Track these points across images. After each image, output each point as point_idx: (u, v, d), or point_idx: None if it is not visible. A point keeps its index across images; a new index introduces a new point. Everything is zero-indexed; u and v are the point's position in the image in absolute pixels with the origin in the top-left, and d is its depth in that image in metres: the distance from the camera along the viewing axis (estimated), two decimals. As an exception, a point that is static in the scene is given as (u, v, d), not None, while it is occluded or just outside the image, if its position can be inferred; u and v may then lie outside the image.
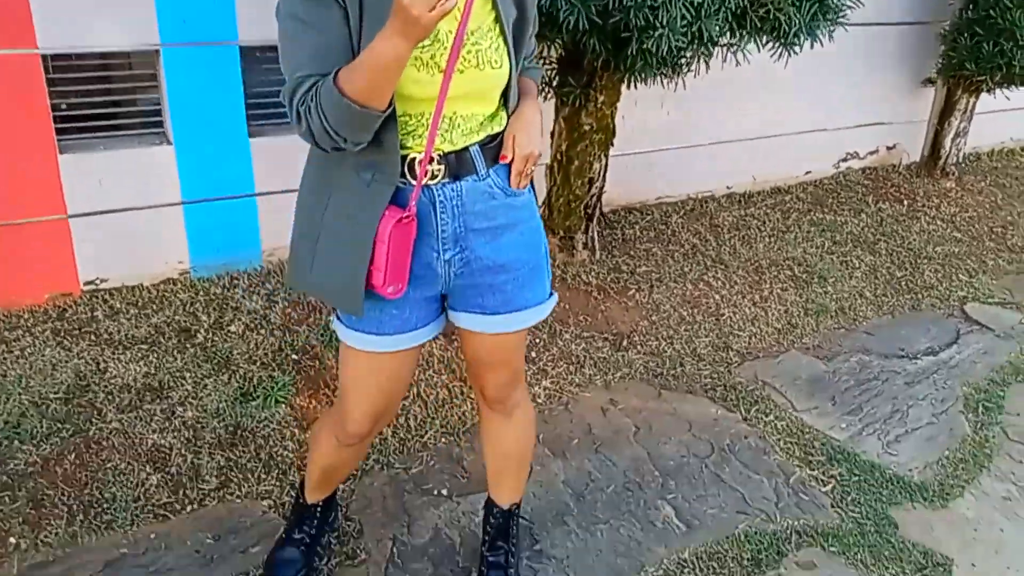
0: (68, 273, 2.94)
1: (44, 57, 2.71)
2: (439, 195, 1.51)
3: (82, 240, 2.93)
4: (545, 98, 3.25)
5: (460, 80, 1.42)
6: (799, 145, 4.50)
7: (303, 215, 1.58)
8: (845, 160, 4.77)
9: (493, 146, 1.54)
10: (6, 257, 2.83)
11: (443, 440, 2.51)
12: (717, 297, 3.36)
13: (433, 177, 1.49)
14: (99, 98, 2.95)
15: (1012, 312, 3.46)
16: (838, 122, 4.62)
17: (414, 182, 1.47)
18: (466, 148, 1.50)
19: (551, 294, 1.73)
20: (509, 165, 1.55)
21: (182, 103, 2.94)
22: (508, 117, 1.56)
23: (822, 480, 2.43)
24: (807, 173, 4.61)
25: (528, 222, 1.63)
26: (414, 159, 1.47)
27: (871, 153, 4.87)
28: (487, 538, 2.04)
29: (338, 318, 1.66)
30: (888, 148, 4.92)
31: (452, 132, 1.49)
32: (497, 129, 1.55)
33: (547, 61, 3.22)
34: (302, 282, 1.61)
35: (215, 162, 3.05)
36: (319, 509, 2.02)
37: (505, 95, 1.53)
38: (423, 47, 1.39)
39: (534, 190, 1.68)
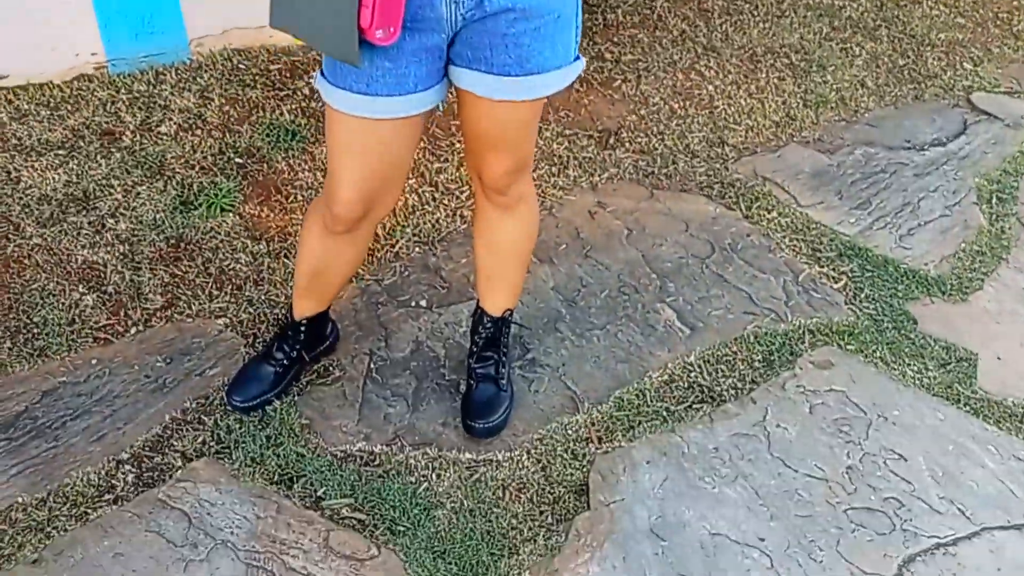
0: (-42, 68, 2.48)
1: None
2: None
3: (-31, 27, 2.44)
4: None
5: None
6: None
7: None
8: (841, -61, 4.29)
9: None
10: None
11: (417, 250, 2.25)
12: (710, 88, 3.04)
13: None
14: None
15: (1020, 101, 3.21)
16: None
17: None
18: None
19: (577, 57, 1.39)
20: None
21: None
22: None
23: (833, 277, 2.24)
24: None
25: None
26: None
27: (869, -68, 4.39)
28: (475, 349, 1.82)
29: (322, 74, 1.34)
30: (887, -74, 4.44)
31: None
32: None
33: None
34: (285, 19, 1.26)
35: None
36: (303, 329, 1.76)
37: None
38: None
39: None
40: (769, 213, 2.47)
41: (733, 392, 1.89)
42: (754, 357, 1.98)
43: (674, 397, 1.88)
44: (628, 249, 2.31)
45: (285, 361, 1.78)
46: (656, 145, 2.72)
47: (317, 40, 1.26)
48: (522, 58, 1.31)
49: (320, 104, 2.62)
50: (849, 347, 2.02)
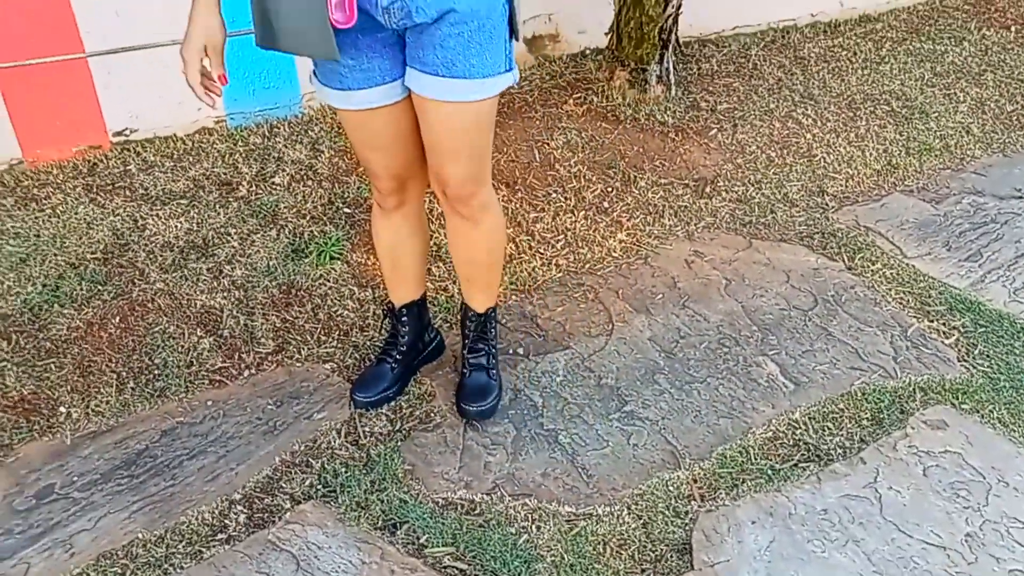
0: (95, 123, 2.68)
1: None
2: None
3: (105, 85, 2.64)
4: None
5: None
6: (892, -36, 3.95)
7: None
8: (942, -18, 4.21)
9: None
10: (26, 105, 2.56)
11: (513, 298, 2.28)
12: (808, 136, 3.00)
13: None
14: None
15: None
16: (936, -63, 4.04)
17: None
18: None
19: (509, 69, 1.50)
20: None
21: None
22: None
23: (944, 332, 2.16)
24: (899, -2, 4.08)
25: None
26: None
27: (971, -26, 4.29)
28: (467, 342, 1.95)
29: (318, 80, 1.55)
30: (990, -32, 4.33)
31: None
32: None
33: None
34: (267, 39, 1.45)
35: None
36: (405, 317, 1.91)
37: None
38: None
39: None
40: (873, 264, 2.41)
41: (841, 451, 1.84)
42: (862, 415, 1.92)
43: (779, 455, 1.84)
44: (727, 300, 2.29)
45: (398, 356, 1.93)
46: (753, 194, 2.70)
47: (297, 45, 1.41)
48: (448, 61, 1.43)
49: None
50: (964, 406, 1.93)
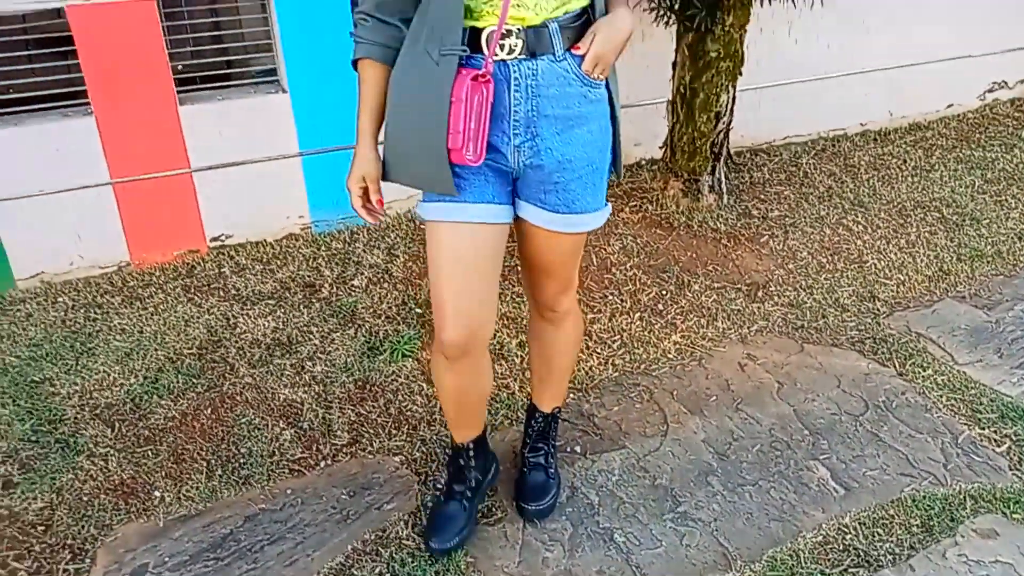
0: (195, 230, 2.96)
1: (158, 5, 2.69)
2: (514, 71, 1.46)
3: (206, 196, 2.94)
4: (666, 24, 3.03)
5: None
6: (939, 75, 4.11)
7: (387, 104, 1.55)
8: (992, 91, 4.34)
9: (576, 27, 1.49)
10: (136, 215, 2.87)
11: (571, 396, 2.41)
12: (859, 242, 3.11)
13: (510, 52, 1.45)
14: (212, 46, 2.93)
15: None
16: (983, 47, 4.19)
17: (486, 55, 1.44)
18: (545, 24, 1.45)
19: (606, 203, 1.69)
20: (582, 58, 1.49)
21: (295, 49, 2.88)
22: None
23: (995, 440, 2.21)
24: (949, 107, 4.22)
25: (600, 120, 1.57)
26: (492, 32, 1.43)
27: (1021, 82, 4.41)
28: (528, 440, 2.05)
29: (422, 202, 1.62)
30: (1041, 76, 4.45)
31: (530, 1, 1.43)
32: (577, 6, 1.49)
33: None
34: (395, 174, 1.59)
35: (330, 110, 2.99)
36: (471, 452, 1.96)
37: None
38: None
39: (612, 90, 1.58)
40: (924, 371, 2.47)
41: (890, 558, 1.89)
42: (912, 522, 1.97)
43: (829, 560, 1.89)
44: (779, 403, 2.37)
45: (468, 492, 1.97)
46: (805, 299, 2.80)
47: (420, 182, 1.57)
48: (569, 200, 1.60)
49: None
50: (1015, 516, 1.96)
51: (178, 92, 2.80)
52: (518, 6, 1.42)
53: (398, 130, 1.53)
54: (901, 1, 3.75)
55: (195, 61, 2.93)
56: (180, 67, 2.86)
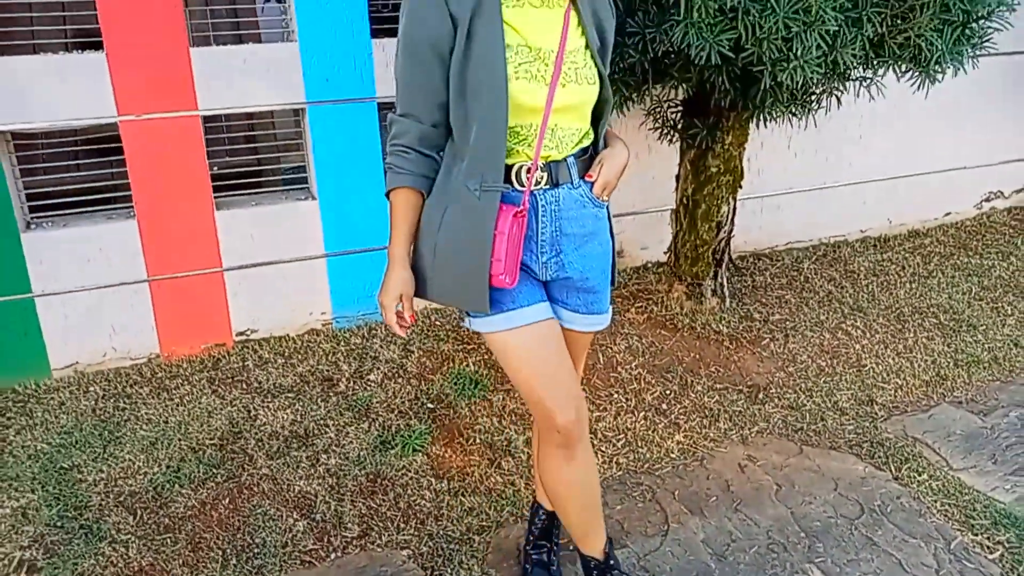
0: (222, 324, 3.13)
1: (202, 119, 2.93)
2: (540, 200, 1.67)
3: (235, 293, 3.12)
4: (670, 141, 3.25)
5: (562, 93, 1.60)
6: (937, 185, 4.29)
7: (424, 229, 1.70)
8: (988, 200, 4.51)
9: (585, 159, 1.72)
10: (169, 309, 3.05)
11: (577, 493, 2.48)
12: (857, 347, 3.22)
13: (537, 183, 1.65)
14: (250, 156, 3.17)
15: None
16: (979, 159, 4.39)
17: (520, 188, 1.64)
18: (564, 159, 1.67)
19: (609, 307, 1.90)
20: (592, 184, 1.73)
21: (325, 159, 3.11)
22: (595, 135, 1.74)
23: (988, 547, 2.25)
24: (947, 214, 4.38)
25: (605, 232, 1.80)
26: (521, 167, 1.63)
27: (1017, 191, 4.58)
28: (532, 537, 2.12)
29: (473, 316, 1.73)
30: (1037, 185, 4.63)
31: (554, 142, 1.65)
32: (587, 143, 1.72)
33: (672, 103, 3.22)
34: (434, 293, 1.73)
35: (355, 215, 3.20)
36: (611, 561, 1.99)
37: (595, 112, 1.71)
38: (530, 62, 1.57)
39: (609, 210, 1.83)
40: (920, 475, 2.53)
41: (884, 663, 1.92)
42: (905, 627, 2.01)
43: (822, 663, 1.93)
44: (777, 505, 2.44)
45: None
46: (804, 402, 2.89)
47: (459, 301, 1.71)
48: (587, 303, 1.82)
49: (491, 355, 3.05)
50: (1007, 625, 2.00)
51: (215, 198, 3.02)
52: (547, 147, 1.64)
53: (443, 257, 1.66)
54: (897, 115, 3.96)
55: (231, 169, 3.17)
56: (216, 167, 3.09)
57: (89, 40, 2.84)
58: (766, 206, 3.90)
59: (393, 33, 3.03)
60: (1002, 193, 4.53)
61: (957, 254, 4.02)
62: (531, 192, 1.65)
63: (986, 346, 3.23)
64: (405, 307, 1.72)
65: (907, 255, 3.99)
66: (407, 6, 1.57)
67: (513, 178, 1.64)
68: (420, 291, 1.74)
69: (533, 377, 1.71)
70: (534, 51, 1.58)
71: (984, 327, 3.36)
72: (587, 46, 1.67)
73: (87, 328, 2.98)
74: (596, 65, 1.67)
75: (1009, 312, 3.48)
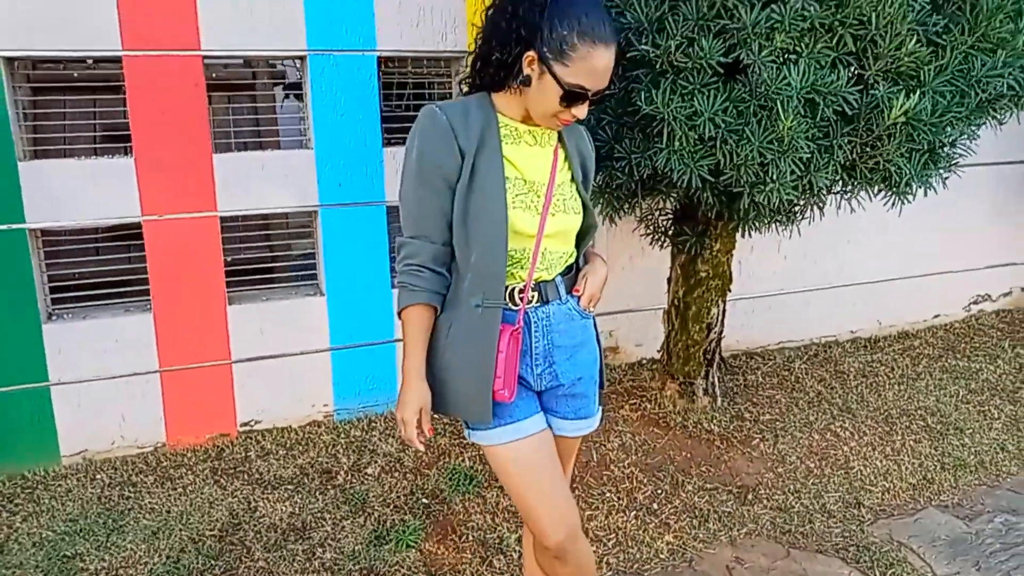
0: (227, 415, 3.24)
1: (220, 218, 3.11)
2: (533, 317, 1.79)
3: (242, 384, 3.24)
4: (661, 246, 3.40)
5: (552, 221, 1.76)
6: (926, 287, 4.43)
7: (440, 347, 1.79)
8: (976, 303, 4.63)
9: (569, 276, 1.87)
10: (177, 399, 3.16)
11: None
12: (846, 448, 3.29)
13: (529, 302, 1.78)
14: (263, 253, 3.34)
15: None
16: (967, 263, 4.53)
17: (515, 307, 1.77)
18: (553, 279, 1.81)
19: (599, 408, 2.00)
20: (579, 297, 1.87)
21: (335, 258, 3.27)
22: (578, 255, 1.89)
23: (970, 657, 2.28)
24: (935, 316, 4.50)
25: (593, 340, 1.92)
26: (515, 288, 1.77)
27: (1004, 295, 4.72)
28: None
29: (473, 428, 1.82)
30: (1023, 289, 4.76)
31: (545, 264, 1.79)
32: (570, 262, 1.87)
33: (663, 212, 3.39)
34: (442, 407, 1.81)
35: (360, 311, 3.34)
36: None
37: (579, 237, 1.86)
38: (525, 194, 1.73)
39: (594, 319, 1.95)
40: (904, 581, 2.57)
41: None
42: None
43: None
44: (763, 608, 2.48)
45: None
46: (793, 503, 2.95)
47: (463, 412, 1.81)
48: (578, 408, 1.92)
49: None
50: None
51: (228, 292, 3.17)
52: (539, 268, 1.79)
53: (449, 372, 1.76)
54: (884, 219, 4.12)
55: (244, 265, 3.33)
56: (229, 259, 3.25)
57: (118, 134, 3.04)
58: (758, 306, 4.03)
59: (402, 142, 3.24)
60: (989, 296, 4.66)
61: (945, 356, 4.11)
62: (524, 310, 1.78)
63: (973, 450, 3.30)
64: (424, 420, 1.75)
65: (896, 356, 4.09)
66: (418, 138, 1.71)
67: (507, 298, 1.77)
68: (436, 407, 1.82)
69: (529, 493, 1.79)
70: (528, 184, 1.74)
71: (971, 430, 3.43)
72: (572, 179, 1.84)
73: (98, 416, 3.09)
74: (581, 196, 1.84)
75: (996, 416, 3.56)
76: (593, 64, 1.62)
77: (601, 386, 2.00)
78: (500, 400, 1.76)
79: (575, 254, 1.89)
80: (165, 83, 2.93)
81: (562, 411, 1.91)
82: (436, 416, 1.92)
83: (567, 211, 1.79)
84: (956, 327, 4.47)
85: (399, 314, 1.77)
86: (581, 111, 1.69)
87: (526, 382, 1.84)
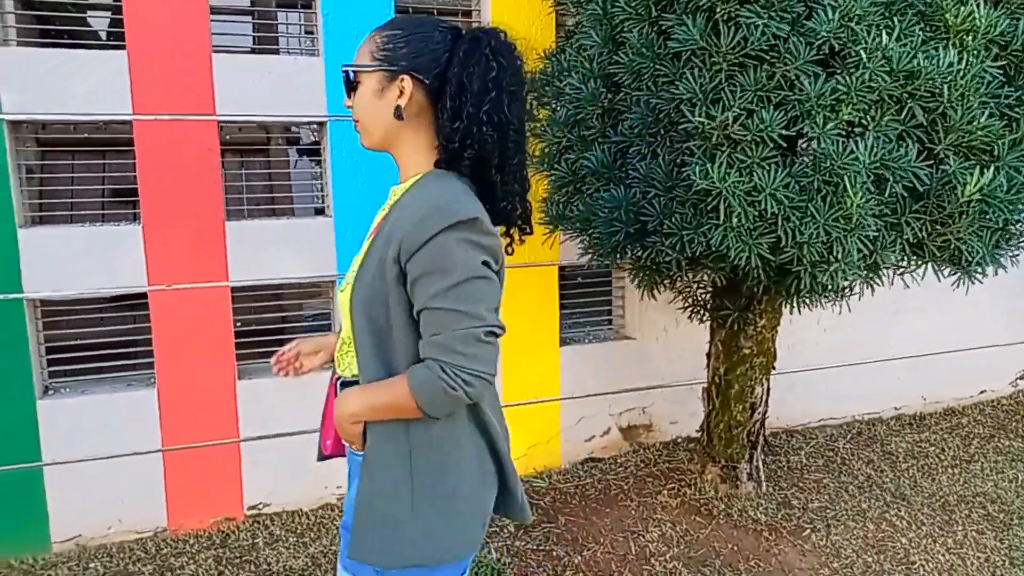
0: (234, 497, 2.99)
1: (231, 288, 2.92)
2: None
3: (250, 464, 3.00)
4: (700, 320, 3.20)
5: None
6: (971, 362, 4.20)
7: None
8: (1022, 377, 4.40)
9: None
10: (180, 480, 2.92)
11: None
12: (904, 540, 3.02)
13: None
14: (273, 325, 3.13)
15: None
16: (1013, 336, 4.32)
17: None
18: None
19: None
20: None
21: (352, 332, 3.07)
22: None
23: None
24: (982, 392, 4.27)
25: (356, 479, 1.54)
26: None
27: (1052, 368, 4.49)
28: None
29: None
30: (1071, 362, 4.53)
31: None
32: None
33: (701, 284, 3.20)
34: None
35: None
36: None
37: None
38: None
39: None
40: None
41: None
42: None
43: None
44: None
45: None
46: (852, 604, 2.68)
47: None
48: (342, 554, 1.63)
49: (525, 543, 2.88)
50: None
51: (238, 365, 2.96)
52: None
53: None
54: (931, 293, 3.93)
55: (254, 333, 3.13)
56: (239, 322, 3.04)
57: (127, 193, 2.88)
58: (797, 381, 3.80)
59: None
60: (1036, 370, 4.43)
61: (997, 436, 3.87)
62: None
63: (1041, 543, 3.03)
64: (306, 360, 1.76)
65: (945, 436, 3.84)
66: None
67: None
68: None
69: None
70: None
71: (1036, 521, 3.17)
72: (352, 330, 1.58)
73: (94, 499, 2.85)
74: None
75: (1061, 503, 3.30)
76: None
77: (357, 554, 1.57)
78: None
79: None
80: (177, 147, 2.78)
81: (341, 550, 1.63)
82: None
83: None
84: (1004, 403, 4.23)
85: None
86: None
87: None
